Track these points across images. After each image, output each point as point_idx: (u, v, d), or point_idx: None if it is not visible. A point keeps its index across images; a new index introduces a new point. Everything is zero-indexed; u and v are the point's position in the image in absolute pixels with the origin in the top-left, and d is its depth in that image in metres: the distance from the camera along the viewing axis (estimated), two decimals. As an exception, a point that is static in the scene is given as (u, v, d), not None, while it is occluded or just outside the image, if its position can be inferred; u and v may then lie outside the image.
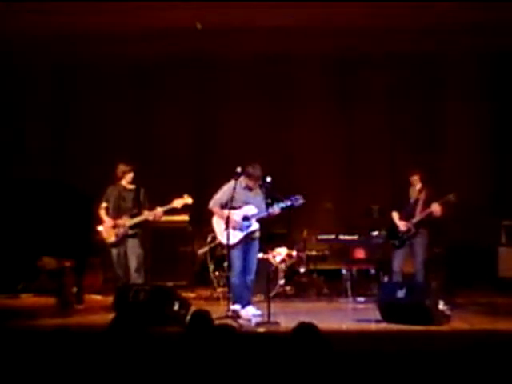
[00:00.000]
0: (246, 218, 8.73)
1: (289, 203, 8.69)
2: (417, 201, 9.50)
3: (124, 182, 9.46)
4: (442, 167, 12.02)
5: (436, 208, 9.24)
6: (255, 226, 8.75)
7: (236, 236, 8.67)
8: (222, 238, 8.80)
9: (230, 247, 8.64)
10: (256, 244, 8.86)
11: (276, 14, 10.42)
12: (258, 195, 8.84)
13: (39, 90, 12.48)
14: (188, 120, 12.53)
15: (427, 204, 9.36)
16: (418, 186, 9.55)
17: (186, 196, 9.33)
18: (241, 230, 8.69)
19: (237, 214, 8.72)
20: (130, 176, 9.44)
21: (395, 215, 9.59)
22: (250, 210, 8.74)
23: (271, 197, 8.81)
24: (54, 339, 4.70)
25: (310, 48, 11.84)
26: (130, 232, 9.29)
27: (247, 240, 8.75)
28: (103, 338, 4.65)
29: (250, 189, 8.80)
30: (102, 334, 4.73)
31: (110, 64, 12.31)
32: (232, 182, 8.69)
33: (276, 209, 8.69)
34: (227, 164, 9.20)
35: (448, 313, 7.93)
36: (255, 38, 11.38)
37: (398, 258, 9.54)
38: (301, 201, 8.68)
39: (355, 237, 10.55)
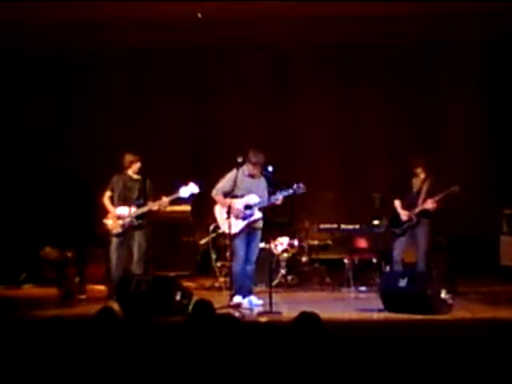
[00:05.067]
0: (248, 207, 8.65)
1: (291, 192, 8.64)
2: (420, 190, 9.49)
3: (130, 172, 9.38)
4: (443, 156, 11.99)
5: (429, 205, 9.27)
6: (258, 215, 8.67)
7: (238, 225, 8.59)
8: (224, 226, 8.77)
9: (232, 236, 8.61)
10: (258, 234, 8.79)
11: (275, 4, 10.38)
12: (260, 183, 8.78)
13: (40, 77, 12.46)
14: (188, 109, 12.49)
15: (430, 194, 9.35)
16: (422, 176, 9.54)
17: (191, 184, 9.14)
18: (243, 218, 8.62)
19: (239, 202, 8.65)
20: (136, 166, 9.37)
21: (398, 203, 9.59)
22: (253, 198, 8.68)
23: (273, 185, 8.77)
24: (54, 329, 4.71)
25: (310, 37, 11.79)
26: (136, 223, 9.21)
27: (249, 230, 8.69)
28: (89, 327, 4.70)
29: (252, 176, 8.74)
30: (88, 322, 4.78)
31: (111, 53, 12.29)
32: (235, 171, 8.64)
33: (278, 198, 8.62)
34: (227, 154, 9.14)
35: (450, 302, 7.94)
36: (254, 28, 11.34)
37: (398, 247, 9.54)
38: (303, 189, 8.65)
39: (357, 226, 10.52)
